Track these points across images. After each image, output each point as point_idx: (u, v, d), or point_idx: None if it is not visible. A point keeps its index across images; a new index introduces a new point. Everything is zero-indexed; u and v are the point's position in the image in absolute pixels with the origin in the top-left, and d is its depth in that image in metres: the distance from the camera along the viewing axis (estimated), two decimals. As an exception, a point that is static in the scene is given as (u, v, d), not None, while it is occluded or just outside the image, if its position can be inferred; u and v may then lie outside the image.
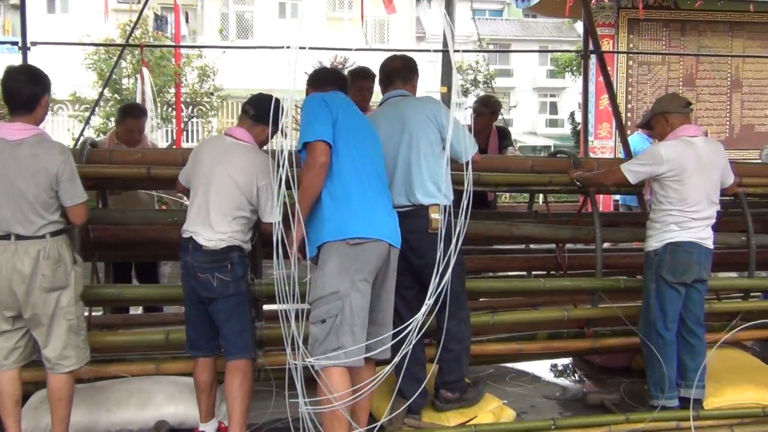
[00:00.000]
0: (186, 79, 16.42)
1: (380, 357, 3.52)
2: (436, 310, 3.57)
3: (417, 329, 3.19)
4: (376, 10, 25.14)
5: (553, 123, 37.96)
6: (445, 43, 14.20)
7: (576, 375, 5.45)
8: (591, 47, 9.20)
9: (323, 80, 3.91)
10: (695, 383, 4.39)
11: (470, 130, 6.29)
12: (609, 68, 12.16)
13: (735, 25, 12.52)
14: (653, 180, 4.29)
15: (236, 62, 18.39)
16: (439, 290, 3.50)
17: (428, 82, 17.54)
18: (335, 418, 3.35)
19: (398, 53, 4.52)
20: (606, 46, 12.12)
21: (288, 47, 2.94)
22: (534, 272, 5.43)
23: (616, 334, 4.81)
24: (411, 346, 3.24)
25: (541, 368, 5.41)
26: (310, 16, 22.30)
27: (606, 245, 5.42)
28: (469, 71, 19.62)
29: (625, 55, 12.24)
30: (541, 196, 6.31)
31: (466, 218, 3.42)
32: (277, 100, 3.57)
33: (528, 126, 38.15)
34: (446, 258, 3.98)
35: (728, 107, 12.62)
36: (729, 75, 12.66)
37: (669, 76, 12.46)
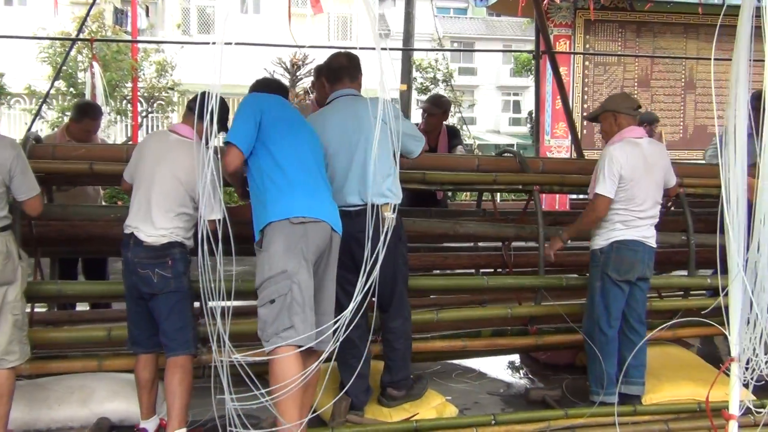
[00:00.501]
0: (143, 74, 16.27)
1: (321, 347, 3.54)
2: (363, 307, 3.64)
3: (346, 324, 3.20)
4: (340, 7, 25.23)
5: (516, 121, 38.23)
6: (406, 41, 14.19)
7: (520, 372, 5.53)
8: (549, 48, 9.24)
9: (265, 87, 4.05)
10: (635, 380, 4.50)
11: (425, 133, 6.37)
12: (565, 68, 12.38)
13: (689, 27, 12.71)
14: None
15: (196, 57, 18.25)
16: (368, 287, 3.59)
17: (391, 80, 17.60)
18: (290, 400, 3.39)
19: (343, 50, 4.55)
20: (563, 46, 12.24)
21: (214, 43, 2.94)
22: (481, 270, 5.48)
23: (560, 331, 4.89)
24: (338, 342, 3.26)
25: (486, 365, 5.47)
26: (273, 12, 22.20)
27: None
28: (429, 69, 19.70)
29: (581, 55, 12.37)
30: (499, 195, 6.38)
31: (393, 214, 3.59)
32: (223, 99, 3.59)
33: (491, 124, 38.40)
34: (392, 258, 4.07)
35: (682, 108, 12.81)
36: (683, 76, 12.85)
37: (624, 76, 12.61)
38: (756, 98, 3.31)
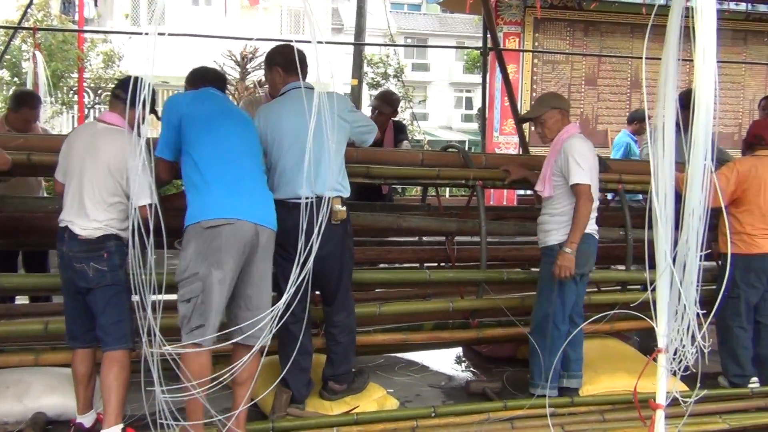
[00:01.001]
0: (90, 65, 15.99)
1: (250, 342, 3.55)
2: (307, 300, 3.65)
3: (278, 317, 3.22)
4: (292, 0, 25.11)
5: (468, 118, 38.42)
6: (357, 36, 14.18)
7: (463, 365, 5.59)
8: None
9: (200, 79, 4.03)
10: (573, 373, 4.59)
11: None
12: (514, 66, 12.50)
13: (635, 27, 12.92)
14: (559, 175, 4.44)
15: (144, 48, 18.01)
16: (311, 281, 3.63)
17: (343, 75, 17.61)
18: (195, 399, 3.42)
19: (287, 43, 4.54)
20: (512, 44, 12.36)
21: (146, 33, 2.92)
22: (426, 264, 5.52)
23: (501, 325, 4.94)
24: (270, 337, 3.27)
25: (430, 358, 5.52)
26: (225, 4, 22.00)
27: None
28: (380, 64, 19.73)
29: (530, 53, 12.50)
30: (448, 190, 6.40)
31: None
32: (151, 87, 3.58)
33: (444, 120, 38.55)
34: (340, 251, 4.09)
35: (628, 107, 13.02)
36: (629, 75, 13.08)
37: (572, 74, 12.79)
38: (684, 96, 3.39)
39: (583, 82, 12.81)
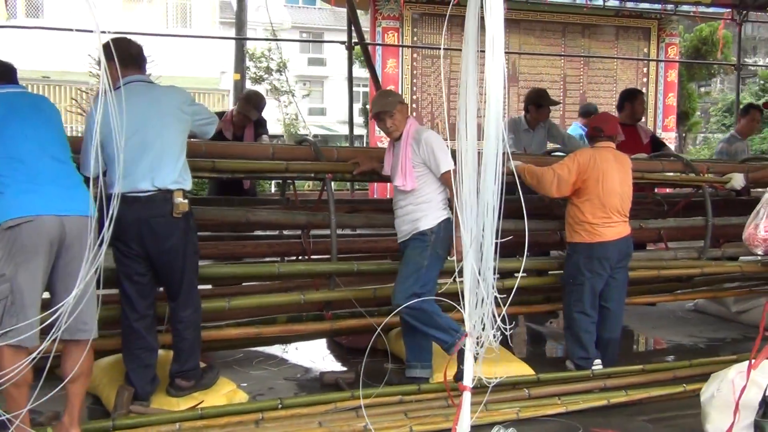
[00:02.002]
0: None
1: (78, 336, 3.51)
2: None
3: (67, 314, 3.16)
4: (177, -6, 24.63)
5: (365, 112, 38.45)
6: (239, 30, 13.99)
7: (323, 357, 5.62)
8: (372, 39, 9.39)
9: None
10: (425, 363, 4.70)
11: (231, 124, 6.35)
12: (394, 60, 12.67)
13: (511, 22, 13.22)
14: (421, 165, 4.60)
15: (25, 42, 17.41)
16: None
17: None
18: (10, 397, 3.39)
19: (125, 36, 4.50)
20: (391, 39, 12.51)
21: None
22: (286, 258, 5.52)
23: (355, 316, 4.99)
24: (60, 332, 3.20)
25: (289, 351, 5.55)
26: (106, -3, 21.37)
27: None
28: (262, 59, 19.60)
29: (410, 48, 12.67)
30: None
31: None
32: None
33: (341, 115, 38.41)
34: (182, 246, 4.06)
35: (506, 100, 13.28)
36: (506, 70, 13.34)
37: (451, 69, 13.00)
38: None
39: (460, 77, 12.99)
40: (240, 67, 13.72)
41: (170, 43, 19.21)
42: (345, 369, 5.17)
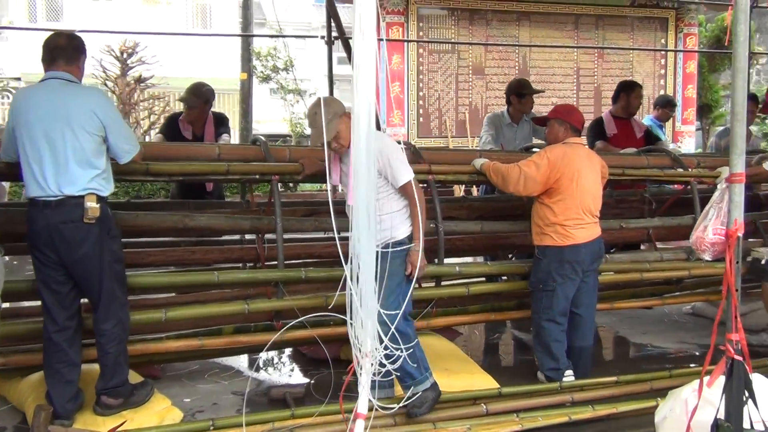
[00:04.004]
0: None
1: None
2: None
3: None
4: (198, -5, 24.55)
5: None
6: (245, 28, 13.84)
7: (281, 368, 5.35)
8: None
9: None
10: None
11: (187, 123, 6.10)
12: (399, 56, 12.34)
13: (521, 15, 12.85)
14: (379, 177, 4.07)
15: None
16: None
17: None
18: None
19: (65, 31, 4.28)
20: (396, 34, 12.19)
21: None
22: (241, 264, 5.25)
23: (304, 326, 4.69)
24: None
25: (246, 362, 5.30)
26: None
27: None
28: (269, 58, 19.38)
29: (415, 43, 12.33)
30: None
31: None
32: None
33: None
34: (97, 254, 3.82)
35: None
36: (517, 64, 13.00)
37: (459, 64, 12.66)
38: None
39: (470, 72, 12.69)
40: (246, 66, 13.52)
41: (190, 44, 19.18)
42: (301, 382, 4.89)
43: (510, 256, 5.89)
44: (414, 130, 12.45)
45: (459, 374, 4.69)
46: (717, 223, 3.58)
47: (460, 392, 4.45)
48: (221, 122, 6.17)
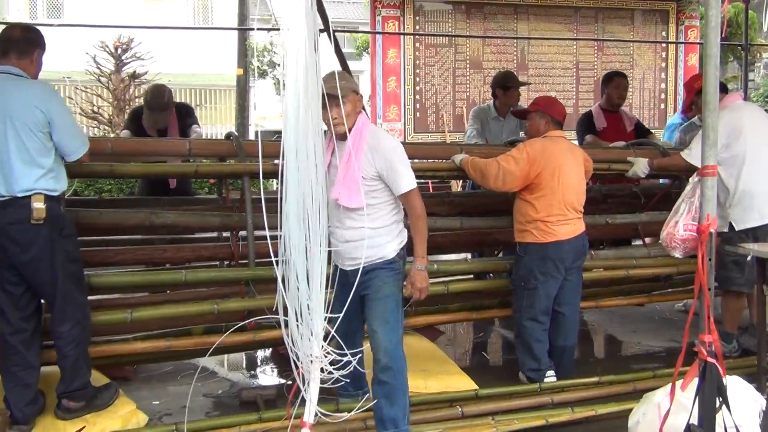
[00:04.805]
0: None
1: None
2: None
3: None
4: (199, -10, 24.38)
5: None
6: (241, 23, 13.65)
7: (257, 369, 5.24)
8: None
9: None
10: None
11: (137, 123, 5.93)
12: (395, 50, 12.19)
13: (519, 8, 12.66)
14: (376, 179, 3.68)
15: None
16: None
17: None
18: None
19: (23, 23, 4.16)
20: (391, 27, 12.01)
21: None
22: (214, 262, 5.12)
23: (277, 326, 4.56)
24: None
25: (222, 363, 5.19)
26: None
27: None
28: (265, 53, 19.24)
29: (412, 37, 12.16)
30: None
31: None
32: None
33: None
34: (49, 254, 3.70)
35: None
36: (515, 57, 12.80)
37: (456, 58, 12.46)
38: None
39: (468, 66, 12.50)
40: (242, 62, 13.38)
41: (187, 40, 19.05)
42: (274, 383, 4.77)
43: (496, 252, 5.74)
44: (411, 125, 12.26)
45: (436, 375, 4.55)
46: (688, 219, 3.41)
47: (436, 394, 4.32)
48: (186, 113, 5.98)
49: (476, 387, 4.44)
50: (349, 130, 3.53)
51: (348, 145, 3.51)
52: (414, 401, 4.18)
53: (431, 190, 9.78)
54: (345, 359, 2.76)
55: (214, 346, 3.85)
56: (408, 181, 3.64)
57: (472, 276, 5.35)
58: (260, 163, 2.67)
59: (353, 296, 3.35)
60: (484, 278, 5.43)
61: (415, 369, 4.43)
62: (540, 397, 4.36)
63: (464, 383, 4.50)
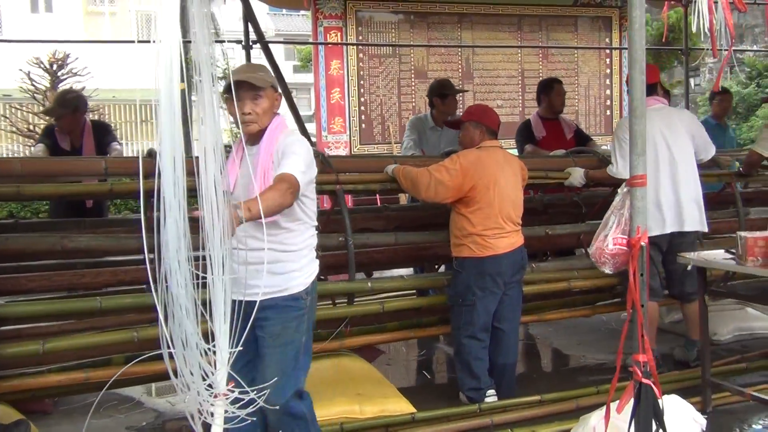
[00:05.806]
0: None
1: None
2: None
3: None
4: (143, 4, 23.97)
5: (307, 119, 37.86)
6: (184, 36, 13.52)
7: (183, 398, 4.96)
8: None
9: None
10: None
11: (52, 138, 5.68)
12: (339, 61, 12.01)
13: (463, 17, 12.58)
14: None
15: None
16: None
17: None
18: None
19: None
20: (334, 38, 11.85)
21: None
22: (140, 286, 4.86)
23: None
24: None
25: (149, 392, 4.93)
26: (66, 10, 20.88)
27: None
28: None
29: (355, 48, 12.00)
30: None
31: None
32: None
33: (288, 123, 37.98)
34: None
35: (461, 97, 12.66)
36: (460, 66, 12.72)
37: (401, 68, 12.34)
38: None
39: (412, 75, 12.37)
40: (185, 76, 13.07)
41: (130, 54, 18.65)
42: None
43: (436, 266, 5.56)
44: (356, 137, 12.09)
45: (372, 399, 4.33)
46: (618, 232, 3.27)
47: (371, 419, 4.12)
48: (105, 131, 5.79)
49: (414, 410, 4.25)
50: (261, 132, 3.19)
51: (261, 151, 3.14)
52: (347, 428, 3.99)
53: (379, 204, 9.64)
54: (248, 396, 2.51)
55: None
56: (293, 166, 3.04)
57: (415, 293, 5.19)
58: (155, 183, 2.37)
59: (248, 333, 2.71)
60: (427, 294, 5.25)
61: (350, 393, 4.25)
62: (480, 419, 4.19)
63: (402, 406, 4.30)
